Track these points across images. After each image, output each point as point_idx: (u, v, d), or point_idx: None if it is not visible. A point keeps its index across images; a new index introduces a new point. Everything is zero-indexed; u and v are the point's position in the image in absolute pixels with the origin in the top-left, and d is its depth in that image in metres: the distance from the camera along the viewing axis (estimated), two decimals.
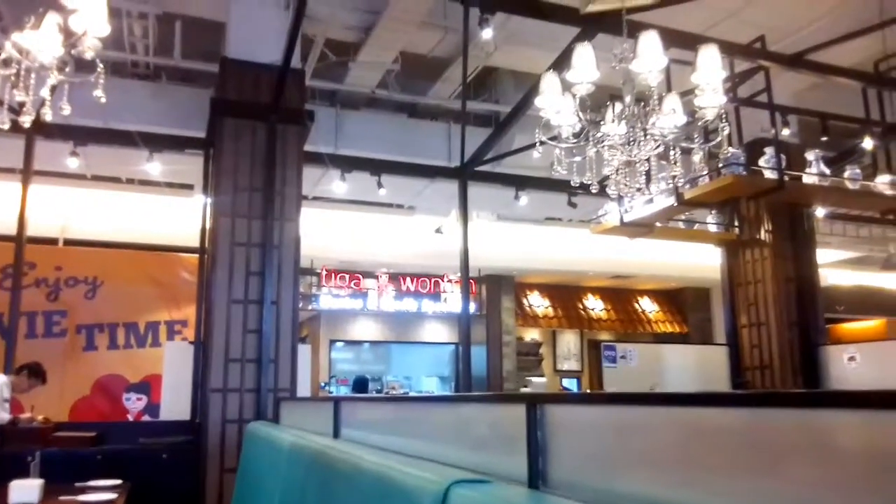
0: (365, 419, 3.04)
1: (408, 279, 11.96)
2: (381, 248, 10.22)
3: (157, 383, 7.81)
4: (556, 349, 14.28)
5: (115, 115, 6.08)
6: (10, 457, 4.49)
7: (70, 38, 3.08)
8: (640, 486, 1.28)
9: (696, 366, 8.10)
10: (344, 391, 11.67)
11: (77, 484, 3.93)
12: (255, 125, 5.52)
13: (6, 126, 3.26)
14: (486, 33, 5.48)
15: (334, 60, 7.11)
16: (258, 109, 5.52)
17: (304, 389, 5.73)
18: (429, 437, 2.29)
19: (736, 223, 7.25)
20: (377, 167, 6.68)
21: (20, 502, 3.35)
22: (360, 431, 2.94)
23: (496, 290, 12.80)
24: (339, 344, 12.80)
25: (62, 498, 3.53)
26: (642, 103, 3.88)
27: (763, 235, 7.05)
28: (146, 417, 8.16)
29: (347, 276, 11.49)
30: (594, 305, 14.24)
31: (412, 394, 11.73)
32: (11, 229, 5.73)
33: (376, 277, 11.75)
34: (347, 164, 6.65)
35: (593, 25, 4.54)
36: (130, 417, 8.14)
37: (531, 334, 14.06)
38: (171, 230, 8.54)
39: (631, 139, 3.91)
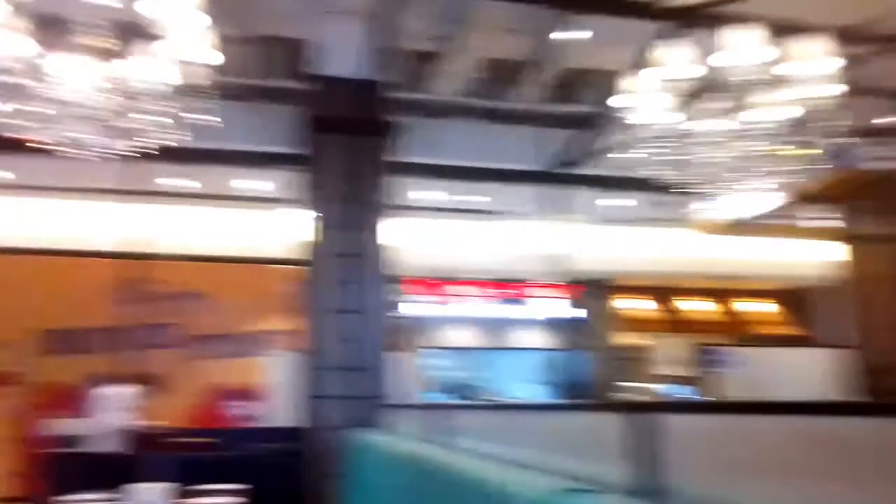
0: (464, 425, 3.04)
1: (497, 285, 11.91)
2: (470, 254, 10.23)
3: (263, 391, 8.14)
4: (658, 354, 13.81)
5: (215, 137, 6.38)
6: (133, 461, 4.80)
7: (182, 67, 3.26)
8: (757, 500, 1.21)
9: (813, 370, 7.59)
10: (439, 398, 11.73)
11: (196, 487, 4.08)
12: (346, 139, 5.68)
13: (124, 152, 3.49)
14: (570, 34, 5.41)
15: (419, 71, 7.18)
16: (347, 124, 5.67)
17: (400, 396, 5.80)
18: (530, 444, 2.26)
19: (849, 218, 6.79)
20: (464, 174, 6.71)
21: (145, 502, 3.52)
22: (460, 438, 2.94)
23: (593, 293, 12.52)
24: (430, 351, 12.88)
25: (185, 500, 3.69)
26: (743, 97, 3.72)
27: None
28: (253, 423, 8.50)
29: (437, 283, 11.56)
30: (698, 307, 13.65)
31: (510, 400, 11.64)
32: (127, 247, 6.11)
33: (465, 283, 11.76)
34: (436, 173, 6.72)
35: (686, 19, 4.39)
36: (239, 423, 8.50)
37: (631, 339, 13.65)
38: (270, 243, 8.87)
39: (732, 134, 3.75)
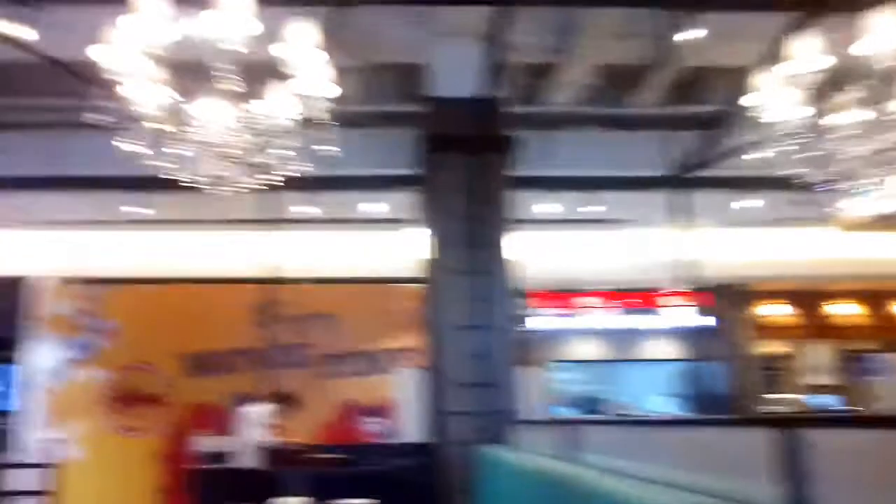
0: (596, 441, 2.98)
1: (623, 295, 11.55)
2: (595, 265, 10.02)
3: (393, 408, 8.33)
4: (802, 363, 12.86)
5: (336, 164, 6.66)
6: (272, 476, 5.04)
7: (303, 101, 3.43)
8: None
9: None
10: (568, 412, 11.52)
11: (331, 501, 4.21)
12: (462, 158, 5.73)
13: (255, 186, 3.70)
14: (690, 34, 5.19)
15: (533, 84, 7.15)
16: (463, 143, 5.73)
17: (529, 411, 5.74)
18: (665, 461, 2.18)
19: None
20: (585, 184, 6.60)
21: None
22: (593, 454, 2.88)
23: (728, 300, 11.85)
24: (559, 365, 12.69)
25: None
26: (884, 85, 3.41)
27: None
28: (385, 439, 8.71)
29: (560, 296, 11.37)
30: (846, 311, 12.58)
31: (642, 415, 11.24)
32: (262, 273, 6.47)
33: (592, 295, 11.49)
34: (556, 185, 6.65)
35: (816, 9, 4.10)
36: (370, 439, 8.75)
37: (772, 347, 12.79)
38: (393, 262, 9.09)
39: (872, 126, 3.44)
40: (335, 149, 3.49)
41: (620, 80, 7.20)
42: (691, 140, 6.65)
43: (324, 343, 9.05)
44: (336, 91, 3.43)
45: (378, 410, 8.89)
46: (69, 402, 8.73)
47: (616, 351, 12.56)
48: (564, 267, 9.97)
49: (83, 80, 5.98)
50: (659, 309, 11.74)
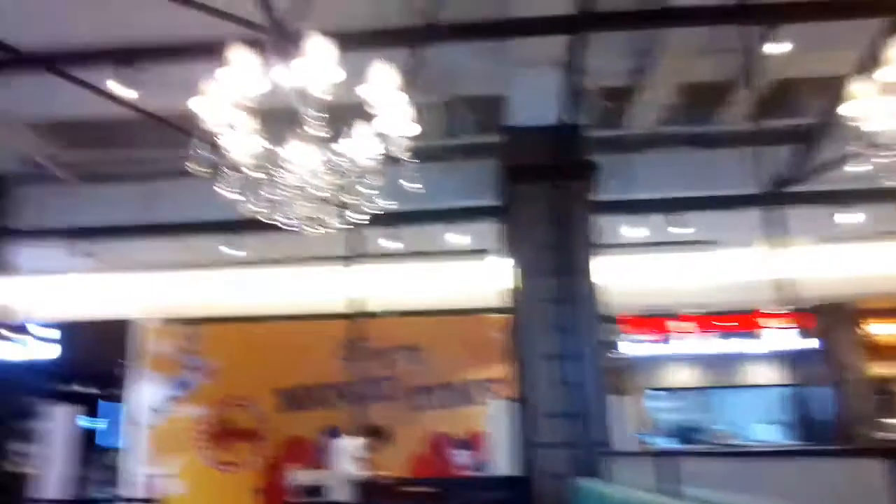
0: (696, 473, 2.86)
1: (718, 318, 11.08)
2: (684, 288, 9.67)
3: (483, 439, 8.26)
4: None
5: (417, 198, 6.75)
6: None
7: (385, 139, 3.49)
8: None
9: None
10: (664, 443, 11.10)
11: None
12: (543, 186, 5.70)
13: (342, 224, 3.78)
14: (776, 46, 5.00)
15: (613, 107, 7.06)
16: (543, 171, 5.71)
17: (622, 441, 5.57)
18: (772, 493, 2.06)
19: None
20: (671, 206, 6.42)
21: None
22: (691, 486, 2.76)
23: (833, 320, 11.14)
24: (653, 392, 12.26)
25: None
26: None
27: None
28: (475, 471, 8.63)
29: (652, 321, 11.02)
30: None
31: (743, 444, 10.70)
32: (351, 308, 6.60)
33: (687, 319, 11.07)
34: (640, 208, 6.50)
35: None
36: (460, 472, 8.68)
37: (885, 369, 11.90)
38: (475, 293, 9.08)
39: None
40: (418, 184, 3.53)
41: (705, 97, 7.01)
42: (784, 155, 6.36)
43: (411, 375, 9.12)
44: (417, 128, 3.48)
45: (467, 442, 8.84)
46: (170, 438, 9.10)
47: (713, 377, 11.99)
48: (656, 291, 9.66)
49: (179, 131, 6.34)
50: (758, 332, 11.20)
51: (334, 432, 8.70)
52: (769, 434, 11.55)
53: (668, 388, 12.14)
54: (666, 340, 11.14)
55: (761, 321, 11.11)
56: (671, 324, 11.14)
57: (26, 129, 7.06)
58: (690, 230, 6.74)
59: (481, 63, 6.09)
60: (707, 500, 2.52)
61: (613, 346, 10.55)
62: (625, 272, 8.88)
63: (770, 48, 5.07)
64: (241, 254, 7.24)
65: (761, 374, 11.96)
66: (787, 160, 6.11)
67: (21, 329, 5.77)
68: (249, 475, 8.98)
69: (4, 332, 5.77)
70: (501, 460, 6.05)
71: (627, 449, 5.75)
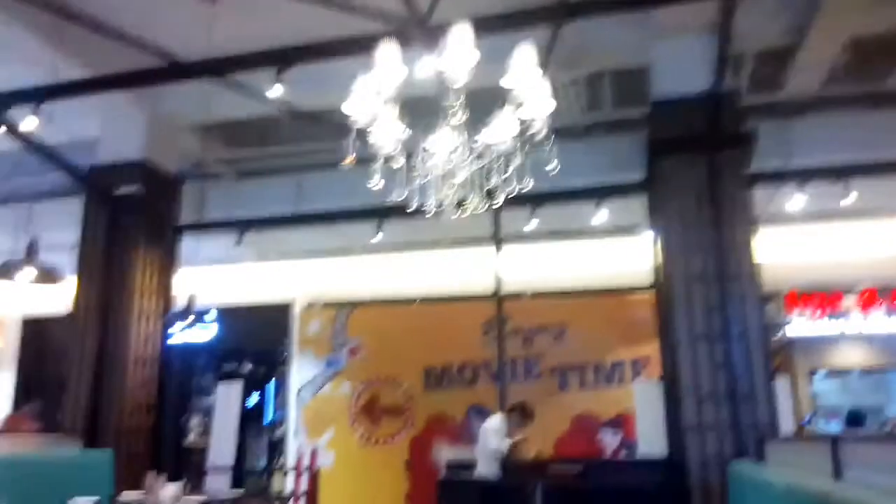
0: (871, 459, 2.67)
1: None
2: (857, 261, 8.86)
3: (629, 420, 8.09)
4: None
5: (560, 176, 6.66)
6: (513, 488, 5.13)
7: (524, 122, 3.47)
8: None
9: None
10: (833, 427, 10.33)
11: None
12: (693, 158, 5.43)
13: (485, 208, 3.81)
14: None
15: (769, 70, 6.57)
16: (694, 142, 5.43)
17: (785, 425, 5.27)
18: None
19: None
20: (840, 172, 5.90)
21: None
22: (866, 472, 2.59)
23: None
24: (819, 374, 11.38)
25: None
26: None
27: None
28: (622, 453, 8.48)
29: (820, 297, 10.13)
30: None
31: None
32: (489, 289, 6.67)
33: (858, 295, 10.12)
34: (802, 177, 6.02)
35: None
36: (607, 453, 8.56)
37: None
38: (621, 271, 8.85)
39: None
40: (558, 164, 3.49)
41: (876, 52, 6.35)
42: None
43: (557, 355, 9.08)
44: (557, 105, 3.42)
45: (614, 423, 8.69)
46: (322, 414, 9.66)
47: (889, 357, 10.94)
48: (826, 266, 8.95)
49: (327, 125, 6.66)
50: None
51: (480, 410, 8.87)
52: None
53: (837, 369, 11.24)
54: (836, 318, 10.22)
55: None
56: (842, 301, 10.20)
57: (190, 131, 7.69)
58: (854, 199, 6.16)
59: (623, 34, 5.87)
60: (875, 485, 2.39)
61: (778, 325, 9.88)
62: (790, 246, 8.30)
63: None
64: (387, 239, 7.50)
65: None
66: None
67: (197, 315, 6.34)
68: (397, 450, 9.35)
69: (185, 318, 6.37)
70: (652, 441, 5.90)
71: (790, 432, 5.44)
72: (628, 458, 8.00)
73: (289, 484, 9.32)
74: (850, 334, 10.30)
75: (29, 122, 5.51)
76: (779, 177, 6.13)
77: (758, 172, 5.66)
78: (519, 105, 3.48)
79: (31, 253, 5.31)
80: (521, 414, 6.27)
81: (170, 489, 4.96)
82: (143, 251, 6.83)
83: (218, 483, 7.42)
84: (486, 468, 6.10)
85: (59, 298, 7.84)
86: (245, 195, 8.68)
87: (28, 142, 5.79)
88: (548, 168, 3.56)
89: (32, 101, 5.46)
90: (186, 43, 5.62)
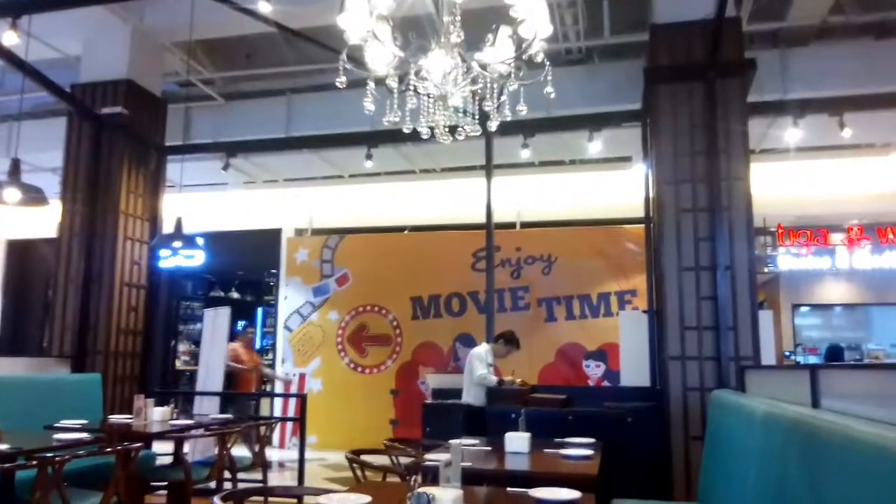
0: (847, 389, 2.76)
1: (882, 231, 10.10)
2: (848, 197, 8.85)
3: (614, 351, 8.23)
4: None
5: (556, 104, 6.54)
6: (497, 414, 5.23)
7: (520, 45, 3.35)
8: None
9: None
10: (812, 360, 10.59)
11: (555, 440, 4.26)
12: (692, 86, 5.32)
13: (478, 132, 3.73)
14: None
15: None
16: (693, 70, 5.31)
17: (766, 358, 5.37)
18: None
19: None
20: (837, 106, 5.82)
21: (514, 451, 3.81)
22: (843, 401, 2.68)
23: None
24: (803, 309, 11.56)
25: (546, 450, 3.89)
26: None
27: None
28: (605, 383, 8.67)
29: (809, 233, 10.20)
30: None
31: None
32: (479, 218, 6.64)
33: (845, 231, 10.19)
34: (800, 109, 5.93)
35: None
36: (591, 382, 8.75)
37: None
38: (612, 203, 8.84)
39: None
40: (552, 90, 3.39)
41: None
42: None
43: (545, 286, 9.15)
44: (554, 29, 3.31)
45: (599, 354, 8.85)
46: (310, 342, 9.75)
47: (873, 294, 11.11)
48: (817, 201, 8.94)
49: (317, 45, 6.45)
50: None
51: (467, 340, 8.99)
52: None
53: (819, 304, 11.41)
54: (822, 254, 10.32)
55: None
56: (832, 236, 10.25)
57: (176, 49, 7.44)
58: (850, 133, 6.09)
59: None
60: (848, 411, 2.45)
61: (763, 258, 9.97)
62: (783, 179, 8.26)
63: None
64: (377, 167, 7.40)
65: None
66: None
67: (186, 240, 6.28)
68: (383, 378, 9.50)
69: (173, 243, 6.30)
70: (635, 371, 6.01)
71: (770, 364, 5.54)
72: (613, 387, 8.18)
73: (276, 409, 9.50)
74: (836, 270, 10.43)
75: (9, 38, 5.29)
76: (776, 107, 6.04)
77: (755, 103, 5.57)
78: (516, 25, 3.37)
79: (13, 174, 5.17)
80: (507, 342, 6.34)
81: (158, 412, 5.02)
82: (128, 173, 6.71)
83: (206, 407, 7.53)
84: (471, 396, 6.21)
85: (44, 221, 7.74)
86: (232, 119, 8.49)
87: (9, 58, 5.57)
88: (545, 91, 3.46)
89: (11, 15, 5.23)
90: None
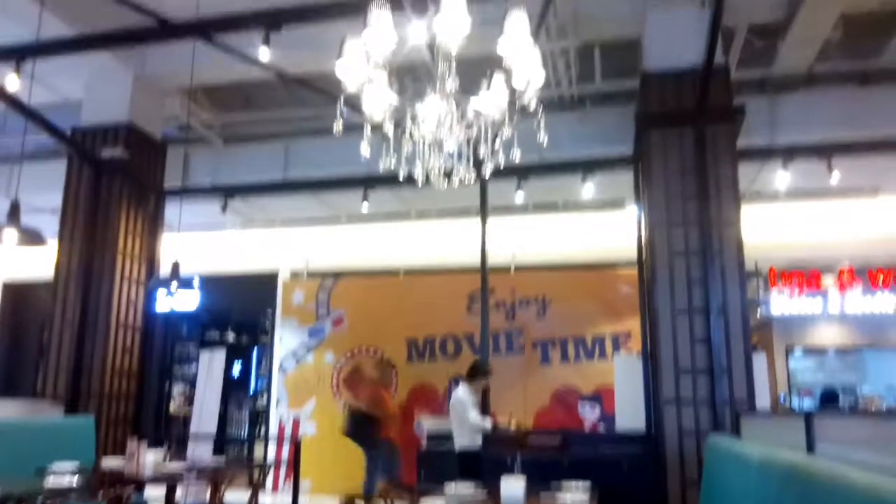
0: (842, 435, 2.74)
1: (874, 274, 10.14)
2: (838, 240, 8.94)
3: (609, 394, 8.18)
4: None
5: (549, 148, 6.65)
6: (493, 458, 5.19)
7: (514, 92, 3.44)
8: None
9: None
10: (807, 403, 10.53)
11: (551, 482, 4.21)
12: (682, 132, 5.43)
13: (473, 178, 3.80)
14: None
15: (760, 46, 6.56)
16: (683, 116, 5.43)
17: (761, 401, 5.36)
18: None
19: None
20: (825, 150, 5.94)
21: (509, 495, 3.76)
22: (838, 447, 2.66)
23: None
24: (796, 352, 11.56)
25: (542, 494, 3.85)
26: None
27: None
28: (601, 426, 8.60)
29: (801, 276, 10.23)
30: None
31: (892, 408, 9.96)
32: (474, 261, 6.68)
33: (837, 274, 10.22)
34: (789, 153, 6.05)
35: None
36: (586, 426, 8.67)
37: None
38: (606, 246, 8.89)
39: None
40: (547, 135, 3.47)
41: (868, 29, 6.36)
42: None
43: (539, 328, 9.14)
44: (547, 75, 3.40)
45: (597, 397, 8.80)
46: (305, 383, 9.68)
47: (867, 337, 11.13)
48: (809, 244, 9.01)
49: (315, 91, 6.58)
50: None
51: (459, 382, 8.93)
52: None
53: (815, 347, 11.42)
54: (814, 297, 10.34)
55: None
56: (823, 279, 10.30)
57: (176, 93, 7.57)
58: (838, 177, 6.20)
59: (616, 4, 5.83)
60: (847, 459, 2.44)
61: (756, 302, 9.98)
62: (774, 223, 8.35)
63: None
64: (373, 209, 7.46)
65: None
66: None
67: (181, 282, 6.29)
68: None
69: (169, 286, 6.32)
70: (631, 414, 5.98)
71: (766, 408, 5.53)
72: (608, 432, 8.11)
73: (270, 453, 9.37)
74: (828, 314, 10.43)
75: (12, 82, 5.40)
76: (765, 152, 6.15)
77: (745, 149, 5.68)
78: (509, 74, 3.46)
79: (12, 216, 5.22)
80: (477, 375, 6.13)
81: (151, 455, 4.96)
82: (127, 215, 6.77)
83: (200, 451, 7.44)
84: (466, 439, 6.13)
85: (41, 264, 7.76)
86: (231, 161, 8.60)
87: (11, 101, 5.68)
88: (538, 140, 3.54)
89: (14, 59, 5.35)
90: (174, 2, 5.51)
